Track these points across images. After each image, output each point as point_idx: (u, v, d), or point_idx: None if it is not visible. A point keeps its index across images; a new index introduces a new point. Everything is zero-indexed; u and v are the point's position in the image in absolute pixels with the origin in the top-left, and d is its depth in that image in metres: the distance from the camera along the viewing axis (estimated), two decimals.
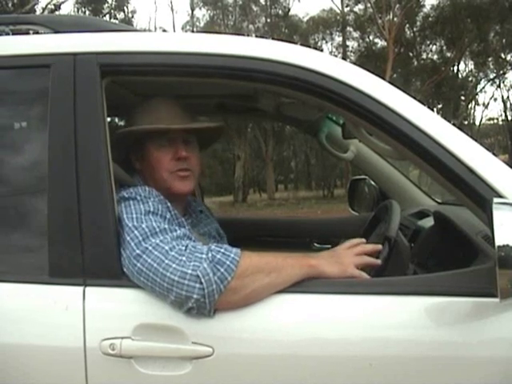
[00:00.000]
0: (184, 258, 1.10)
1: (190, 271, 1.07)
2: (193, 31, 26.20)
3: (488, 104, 31.54)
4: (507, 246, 1.01)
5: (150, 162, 1.42)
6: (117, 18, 26.18)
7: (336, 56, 20.73)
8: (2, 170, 1.28)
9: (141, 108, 1.46)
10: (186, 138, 1.43)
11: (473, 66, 26.07)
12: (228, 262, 1.10)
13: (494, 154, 1.19)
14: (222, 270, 1.09)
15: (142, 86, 1.63)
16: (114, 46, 1.26)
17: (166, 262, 1.10)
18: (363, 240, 1.33)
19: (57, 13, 19.22)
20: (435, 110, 23.88)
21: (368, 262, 1.25)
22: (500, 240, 1.01)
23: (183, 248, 1.12)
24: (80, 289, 1.15)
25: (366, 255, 1.26)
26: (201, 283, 1.07)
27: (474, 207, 1.16)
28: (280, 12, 26.09)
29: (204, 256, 1.10)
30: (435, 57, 25.14)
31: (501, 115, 31.93)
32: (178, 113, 1.45)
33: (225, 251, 1.12)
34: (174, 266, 1.09)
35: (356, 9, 25.00)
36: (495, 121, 33.61)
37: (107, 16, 25.28)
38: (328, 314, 1.13)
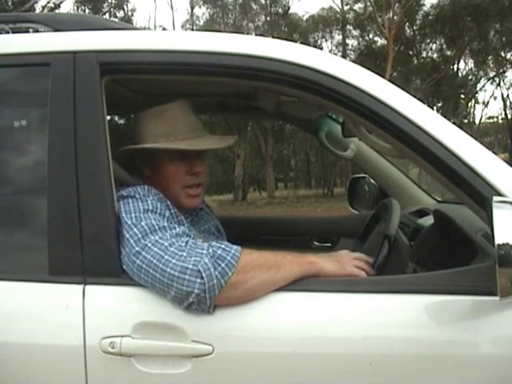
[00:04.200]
0: (184, 254, 1.10)
1: (190, 266, 1.08)
2: (192, 29, 26.17)
3: (488, 102, 31.50)
4: (507, 244, 1.01)
5: (162, 174, 1.40)
6: (116, 17, 26.16)
7: (336, 54, 20.70)
8: (1, 169, 1.28)
9: (154, 112, 1.43)
10: (200, 152, 1.43)
11: (473, 65, 26.11)
12: (229, 258, 1.10)
13: (493, 152, 1.18)
14: (223, 265, 1.09)
15: (142, 85, 1.63)
16: (113, 45, 1.26)
17: (166, 257, 1.10)
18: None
19: (56, 11, 19.19)
20: (435, 108, 23.87)
21: (364, 267, 1.26)
22: (500, 238, 1.01)
23: (183, 244, 1.13)
24: (80, 287, 1.15)
25: None
26: (202, 278, 1.07)
27: (474, 205, 1.15)
28: (280, 10, 26.05)
29: (205, 251, 1.11)
30: (435, 55, 25.18)
31: (500, 114, 31.90)
32: (192, 123, 1.43)
33: (225, 247, 1.13)
34: (173, 261, 1.09)
35: (356, 7, 25.03)
36: (495, 119, 33.58)
37: (107, 14, 25.26)
38: (328, 312, 1.13)
